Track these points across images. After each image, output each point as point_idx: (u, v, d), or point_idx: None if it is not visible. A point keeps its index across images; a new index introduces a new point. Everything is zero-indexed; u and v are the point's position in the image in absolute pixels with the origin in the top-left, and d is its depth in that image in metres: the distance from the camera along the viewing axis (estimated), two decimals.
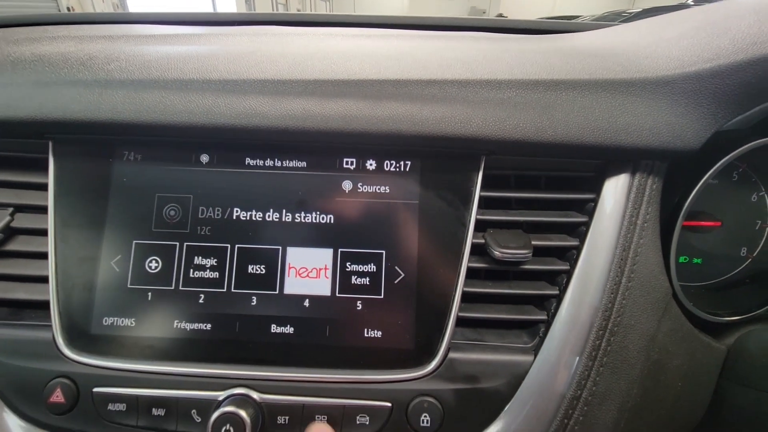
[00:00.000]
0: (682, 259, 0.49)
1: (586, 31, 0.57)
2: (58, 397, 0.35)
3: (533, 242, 0.37)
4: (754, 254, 0.48)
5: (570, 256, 0.37)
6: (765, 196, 0.47)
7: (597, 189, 0.38)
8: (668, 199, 0.40)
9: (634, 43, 0.41)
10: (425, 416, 0.34)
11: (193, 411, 0.34)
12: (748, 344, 0.40)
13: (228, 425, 0.32)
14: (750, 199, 0.47)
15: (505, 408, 0.35)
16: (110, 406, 0.35)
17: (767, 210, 0.47)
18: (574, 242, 0.37)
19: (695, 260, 0.49)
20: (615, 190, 0.37)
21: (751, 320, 0.43)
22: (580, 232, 0.38)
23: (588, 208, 0.38)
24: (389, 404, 0.35)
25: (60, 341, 0.36)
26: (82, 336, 0.36)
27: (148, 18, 0.68)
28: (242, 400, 0.33)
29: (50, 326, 0.36)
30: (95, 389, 0.35)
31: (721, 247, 0.48)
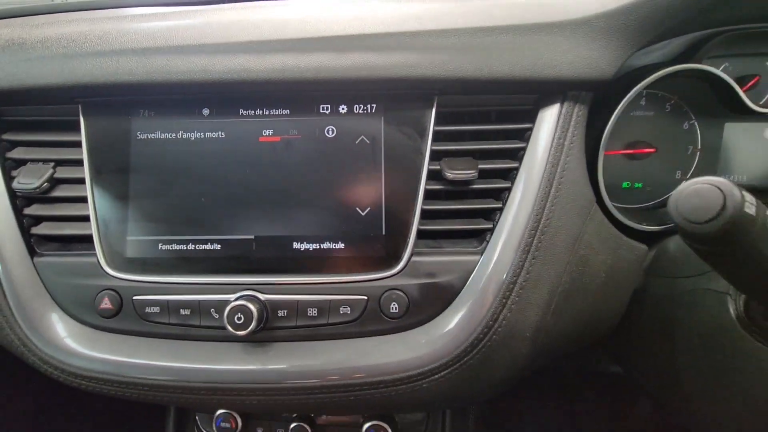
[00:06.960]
0: (625, 185, 0.56)
1: None
2: (106, 304, 0.44)
3: (481, 166, 0.45)
4: (688, 176, 0.55)
5: (511, 176, 0.45)
6: (695, 124, 0.54)
7: (533, 119, 0.45)
8: (598, 126, 0.47)
9: None
10: (394, 305, 0.43)
11: (212, 309, 0.44)
12: (668, 245, 0.48)
13: (239, 314, 0.41)
14: (682, 127, 0.54)
15: (458, 296, 0.44)
16: (147, 309, 0.44)
17: (698, 136, 0.54)
18: (515, 164, 0.45)
19: (636, 185, 0.56)
20: (547, 118, 0.44)
21: (675, 232, 0.50)
22: (519, 156, 0.45)
23: (526, 136, 0.45)
24: (365, 297, 0.43)
25: (103, 263, 0.45)
26: (119, 259, 0.45)
27: (141, 2, 0.75)
28: (250, 298, 0.43)
29: (94, 254, 0.45)
30: (135, 297, 0.44)
31: (659, 171, 0.55)
